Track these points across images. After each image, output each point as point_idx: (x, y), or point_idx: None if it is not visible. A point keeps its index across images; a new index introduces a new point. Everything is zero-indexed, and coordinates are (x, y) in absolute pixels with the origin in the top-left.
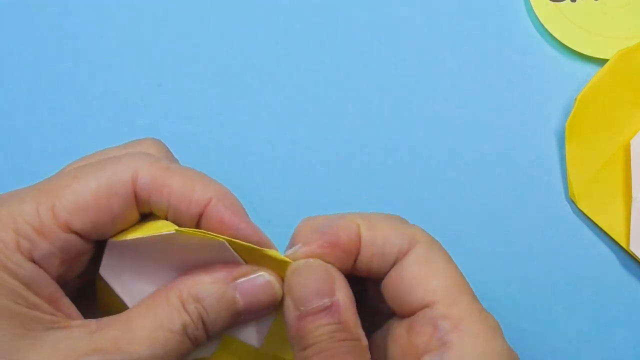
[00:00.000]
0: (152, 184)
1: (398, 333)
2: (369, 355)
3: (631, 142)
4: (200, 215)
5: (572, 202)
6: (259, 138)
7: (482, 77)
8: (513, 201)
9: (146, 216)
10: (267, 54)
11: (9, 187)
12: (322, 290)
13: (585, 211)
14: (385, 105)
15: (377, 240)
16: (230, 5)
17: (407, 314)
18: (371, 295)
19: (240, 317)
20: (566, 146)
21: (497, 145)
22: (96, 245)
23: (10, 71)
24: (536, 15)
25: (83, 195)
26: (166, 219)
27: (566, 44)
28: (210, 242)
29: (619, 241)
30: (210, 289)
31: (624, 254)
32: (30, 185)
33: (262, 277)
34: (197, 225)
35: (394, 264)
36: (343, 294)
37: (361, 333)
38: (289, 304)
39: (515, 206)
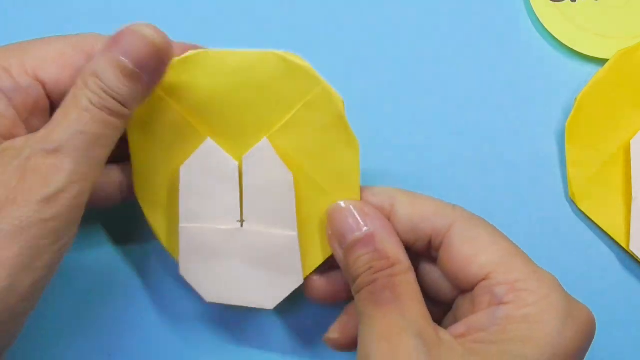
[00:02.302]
0: None
1: (464, 308)
2: (412, 277)
3: (631, 142)
4: None
5: (572, 202)
6: None
7: (482, 77)
8: (513, 201)
9: None
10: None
11: None
12: (356, 224)
13: (585, 211)
14: (384, 105)
15: (410, 217)
16: (231, 4)
17: (467, 290)
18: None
19: (139, 76)
20: (566, 146)
21: (497, 145)
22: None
23: None
24: (536, 15)
25: (49, 51)
26: None
27: (566, 44)
28: None
29: (619, 241)
30: (97, 61)
31: (624, 254)
32: None
33: (138, 30)
34: None
35: (430, 242)
36: (377, 225)
37: (402, 257)
38: (336, 247)
39: (515, 206)
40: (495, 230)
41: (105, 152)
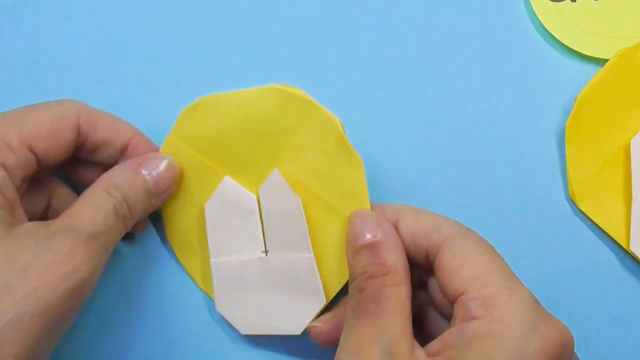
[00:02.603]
0: (90, 119)
1: (451, 322)
2: (404, 291)
3: (631, 142)
4: (126, 146)
5: (572, 202)
6: None
7: (482, 77)
8: (513, 201)
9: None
10: (267, 54)
11: None
12: (366, 230)
13: (585, 211)
14: (384, 105)
15: (412, 230)
16: (230, 5)
17: (452, 303)
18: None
19: (152, 195)
20: (566, 146)
21: (497, 145)
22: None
23: (9, 71)
24: (536, 15)
25: (41, 125)
26: (97, 150)
27: (566, 44)
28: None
29: (619, 241)
30: (122, 175)
31: (624, 254)
32: None
33: (165, 160)
34: (123, 153)
35: (427, 254)
36: (387, 235)
37: (400, 269)
38: (348, 252)
39: (515, 206)
40: (483, 244)
41: (106, 258)
